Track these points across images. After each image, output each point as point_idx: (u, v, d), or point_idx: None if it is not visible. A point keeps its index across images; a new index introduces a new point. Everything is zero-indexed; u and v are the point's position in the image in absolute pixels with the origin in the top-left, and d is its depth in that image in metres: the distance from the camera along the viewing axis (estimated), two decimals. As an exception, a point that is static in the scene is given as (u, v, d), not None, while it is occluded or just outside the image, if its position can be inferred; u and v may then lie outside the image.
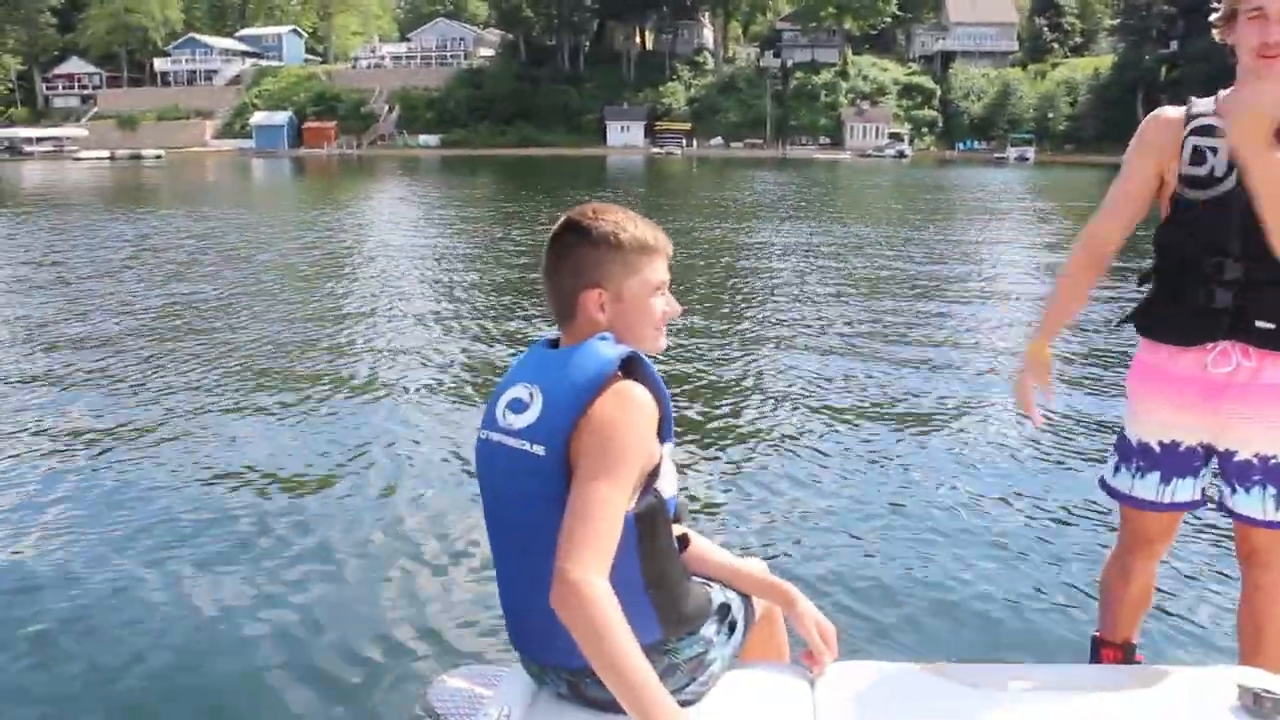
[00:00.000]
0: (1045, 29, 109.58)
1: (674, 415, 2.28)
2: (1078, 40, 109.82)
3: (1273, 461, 2.83)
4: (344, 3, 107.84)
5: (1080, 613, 4.24)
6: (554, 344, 2.28)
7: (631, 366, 2.18)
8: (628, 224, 2.24)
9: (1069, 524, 5.35)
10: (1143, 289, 3.01)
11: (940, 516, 5.42)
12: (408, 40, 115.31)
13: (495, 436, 2.20)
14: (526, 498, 2.12)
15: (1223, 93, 2.84)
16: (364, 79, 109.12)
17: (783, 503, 5.65)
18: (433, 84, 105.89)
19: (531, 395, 2.16)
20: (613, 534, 1.98)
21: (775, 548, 4.99)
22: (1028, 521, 5.39)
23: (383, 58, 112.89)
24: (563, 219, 2.27)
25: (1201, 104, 2.84)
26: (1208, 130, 2.78)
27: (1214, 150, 2.75)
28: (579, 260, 2.22)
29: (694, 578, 2.39)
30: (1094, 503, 5.39)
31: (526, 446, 2.11)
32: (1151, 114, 2.95)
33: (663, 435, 2.20)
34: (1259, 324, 2.75)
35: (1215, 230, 2.75)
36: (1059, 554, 4.93)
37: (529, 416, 2.13)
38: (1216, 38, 2.81)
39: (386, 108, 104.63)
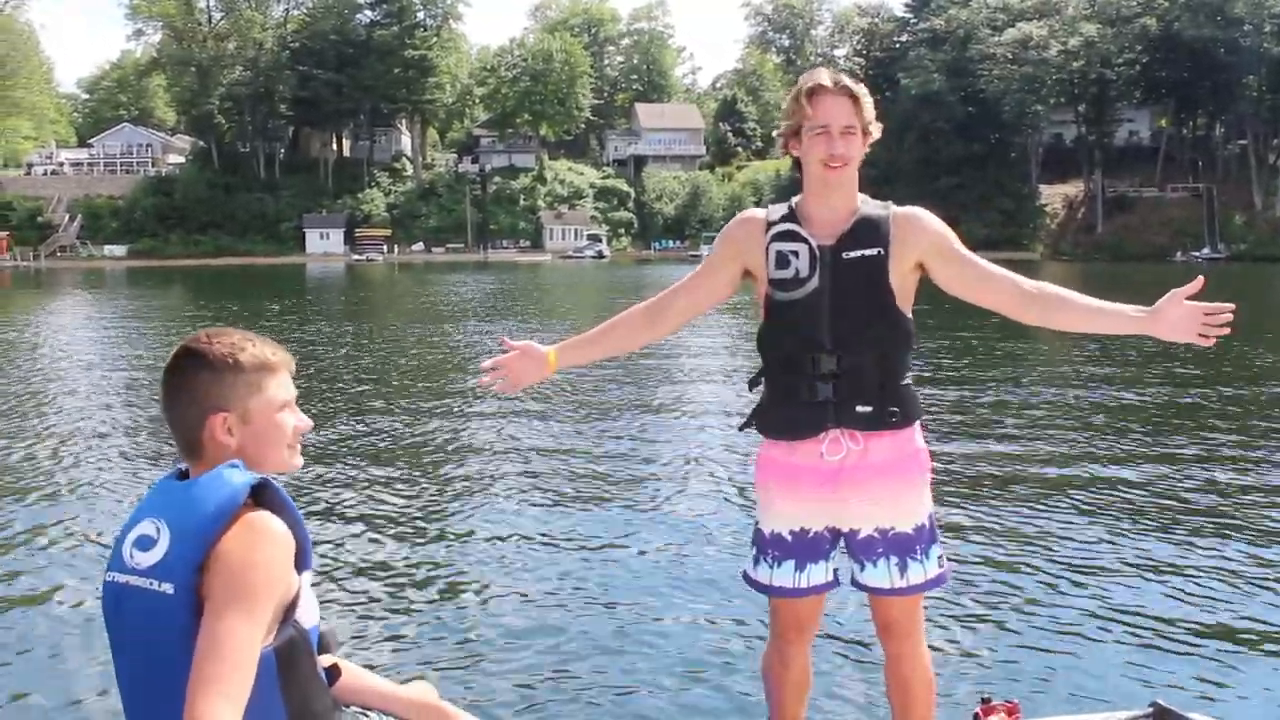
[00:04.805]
0: (729, 134, 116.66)
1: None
2: (759, 144, 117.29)
3: (892, 533, 3.03)
4: (14, 105, 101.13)
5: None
6: (184, 474, 2.19)
7: (263, 494, 2.11)
8: (245, 344, 2.20)
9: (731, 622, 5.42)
10: (754, 391, 3.21)
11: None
12: (89, 146, 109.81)
13: (122, 578, 2.08)
14: (157, 640, 2.02)
15: (795, 199, 3.05)
16: (40, 186, 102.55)
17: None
18: (117, 192, 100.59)
19: (159, 530, 2.05)
20: (246, 671, 1.92)
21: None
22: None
23: (61, 164, 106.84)
24: (177, 347, 2.21)
25: (778, 210, 3.04)
26: (788, 235, 2.98)
27: (796, 254, 2.95)
28: (199, 387, 2.16)
29: (349, 708, 2.36)
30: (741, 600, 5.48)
31: (155, 585, 2.01)
32: (738, 216, 3.14)
33: (301, 564, 2.14)
34: (859, 409, 2.95)
35: (807, 327, 2.95)
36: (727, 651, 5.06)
37: (156, 554, 2.03)
38: (784, 150, 3.05)
39: (67, 217, 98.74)
